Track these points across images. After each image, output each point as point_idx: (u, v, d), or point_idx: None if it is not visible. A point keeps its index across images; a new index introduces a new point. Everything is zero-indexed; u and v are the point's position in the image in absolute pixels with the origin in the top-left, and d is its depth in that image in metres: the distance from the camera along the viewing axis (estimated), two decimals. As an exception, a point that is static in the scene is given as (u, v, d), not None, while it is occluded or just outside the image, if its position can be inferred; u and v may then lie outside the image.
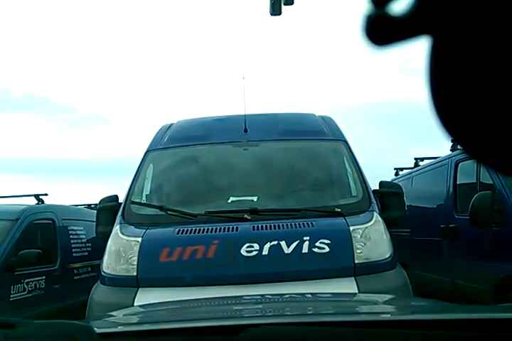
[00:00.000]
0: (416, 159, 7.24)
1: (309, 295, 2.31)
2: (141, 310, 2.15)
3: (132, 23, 23.81)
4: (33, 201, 5.90)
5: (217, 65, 28.07)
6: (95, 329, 0.99)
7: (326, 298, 2.22)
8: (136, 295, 2.90)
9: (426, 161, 6.94)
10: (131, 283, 3.00)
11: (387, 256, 3.07)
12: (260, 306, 1.98)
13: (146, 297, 2.84)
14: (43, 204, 5.81)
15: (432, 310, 1.66)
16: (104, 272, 3.19)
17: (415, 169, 7.02)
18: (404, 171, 7.73)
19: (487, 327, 1.08)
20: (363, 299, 2.24)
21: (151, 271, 3.05)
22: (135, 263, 3.06)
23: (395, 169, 8.24)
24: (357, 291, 2.76)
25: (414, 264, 6.08)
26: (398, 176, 7.89)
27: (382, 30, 0.38)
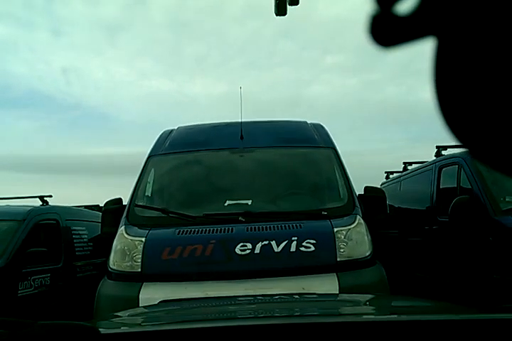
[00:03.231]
0: (405, 163, 7.53)
1: (308, 297, 2.48)
2: (146, 311, 2.22)
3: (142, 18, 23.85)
4: (36, 202, 6.17)
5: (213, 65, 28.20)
6: (100, 330, 1.01)
7: (323, 299, 2.33)
8: (140, 288, 3.20)
9: (414, 165, 7.23)
10: (136, 278, 3.30)
11: (367, 254, 3.38)
12: (263, 307, 1.99)
13: (149, 290, 3.16)
14: (47, 206, 6.07)
15: (434, 311, 1.67)
16: (110, 268, 3.48)
17: (404, 173, 7.31)
18: (395, 174, 8.02)
19: (487, 327, 1.10)
20: (356, 299, 2.31)
21: (155, 268, 3.35)
22: (139, 260, 3.35)
23: (385, 172, 8.50)
24: (337, 285, 3.06)
25: (402, 263, 6.40)
26: (389, 179, 8.19)
27: (388, 30, 0.38)
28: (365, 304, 2.00)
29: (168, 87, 27.26)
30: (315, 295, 2.75)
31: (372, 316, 1.62)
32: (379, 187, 5.80)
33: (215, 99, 25.64)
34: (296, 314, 1.73)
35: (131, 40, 25.13)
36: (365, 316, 1.60)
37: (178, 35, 26.90)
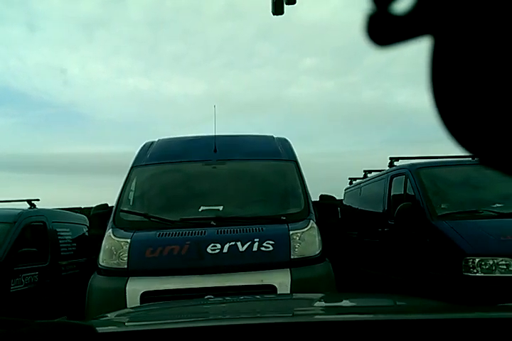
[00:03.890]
0: (365, 171, 8.26)
1: (302, 296, 2.81)
2: (143, 309, 2.30)
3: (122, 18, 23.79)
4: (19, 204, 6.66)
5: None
6: (97, 328, 1.02)
7: (316, 298, 2.49)
8: (127, 282, 3.79)
9: (373, 173, 7.96)
10: (123, 274, 3.89)
11: (317, 252, 4.05)
12: (256, 307, 2.07)
13: (134, 283, 3.76)
14: (35, 209, 6.56)
15: (435, 310, 1.71)
16: (100, 265, 4.06)
17: (364, 180, 8.05)
18: (357, 181, 8.74)
19: (487, 326, 1.12)
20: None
21: (139, 264, 3.94)
22: (125, 258, 3.94)
23: (349, 179, 9.22)
24: (290, 278, 3.72)
25: (359, 261, 7.12)
26: (352, 185, 8.91)
27: (384, 29, 0.38)
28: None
29: (147, 85, 27.39)
30: (273, 295, 3.21)
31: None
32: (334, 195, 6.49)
33: (193, 98, 25.97)
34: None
35: (109, 37, 25.06)
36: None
37: (156, 34, 27.00)
